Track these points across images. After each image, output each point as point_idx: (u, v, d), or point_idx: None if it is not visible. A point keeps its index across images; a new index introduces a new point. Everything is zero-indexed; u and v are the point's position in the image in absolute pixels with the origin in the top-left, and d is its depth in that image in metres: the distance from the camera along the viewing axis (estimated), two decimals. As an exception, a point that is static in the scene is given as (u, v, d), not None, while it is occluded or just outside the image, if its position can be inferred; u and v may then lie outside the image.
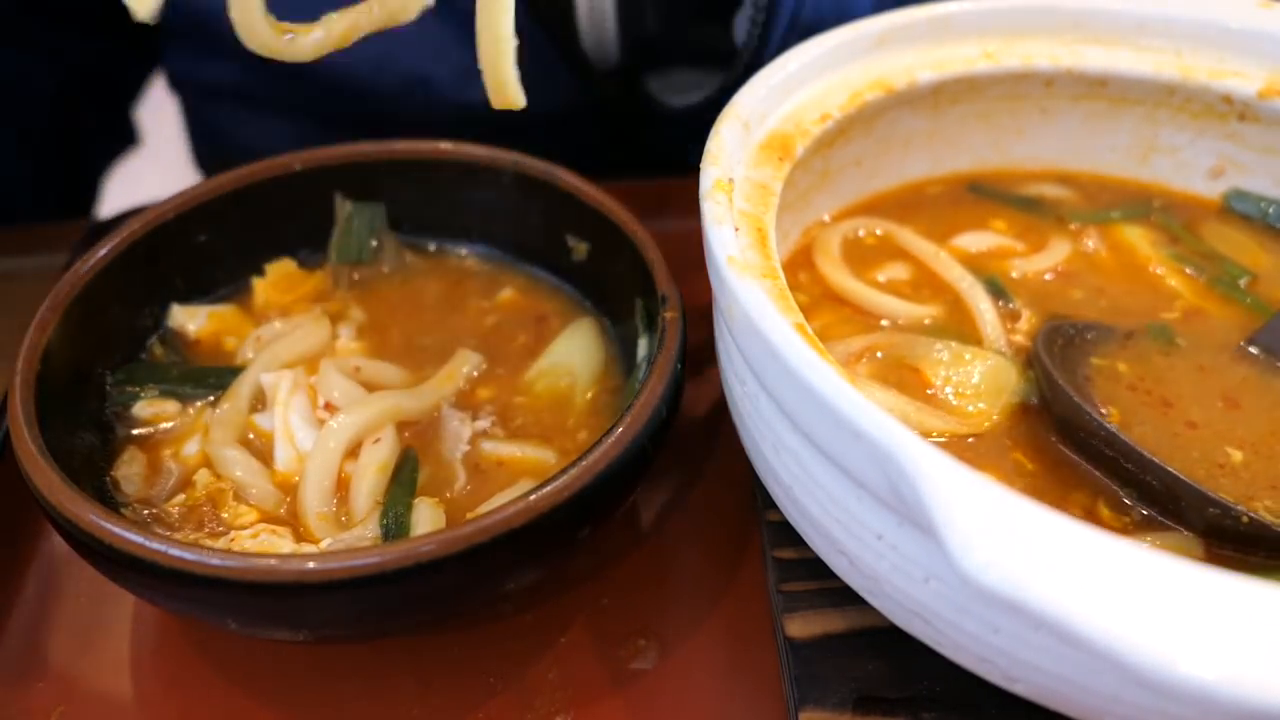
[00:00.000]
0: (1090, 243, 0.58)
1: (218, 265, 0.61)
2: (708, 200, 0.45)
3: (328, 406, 0.54)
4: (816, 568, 0.46)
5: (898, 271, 0.56)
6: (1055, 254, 0.58)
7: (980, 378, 0.48)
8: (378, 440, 0.51)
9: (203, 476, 0.51)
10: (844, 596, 0.45)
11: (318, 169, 0.61)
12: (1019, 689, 0.38)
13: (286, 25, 0.44)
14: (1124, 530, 0.42)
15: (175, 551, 0.39)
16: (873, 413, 0.34)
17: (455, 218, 0.65)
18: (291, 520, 0.50)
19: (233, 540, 0.48)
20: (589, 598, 0.53)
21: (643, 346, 0.55)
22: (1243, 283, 0.55)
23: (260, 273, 0.62)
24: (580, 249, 0.61)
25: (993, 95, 0.61)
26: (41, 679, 0.50)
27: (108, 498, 0.50)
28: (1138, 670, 0.26)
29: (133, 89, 0.99)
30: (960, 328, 0.53)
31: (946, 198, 0.63)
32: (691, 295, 0.54)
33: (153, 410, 0.54)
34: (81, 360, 0.53)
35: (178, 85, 0.93)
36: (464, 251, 0.66)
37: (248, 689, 0.49)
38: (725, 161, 0.47)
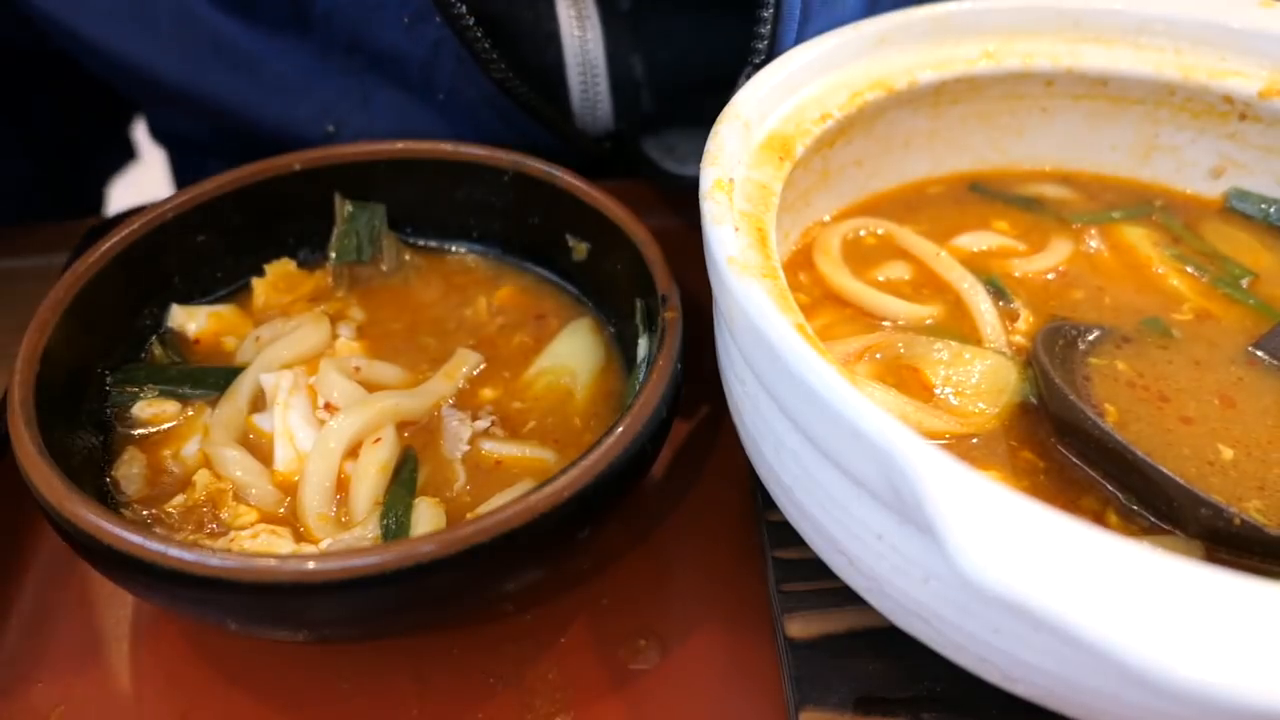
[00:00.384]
0: (1091, 243, 0.58)
1: (218, 265, 0.61)
2: (708, 200, 0.45)
3: (328, 407, 0.54)
4: (816, 568, 0.46)
5: (898, 271, 0.56)
6: (1056, 254, 0.58)
7: (980, 378, 0.48)
8: (378, 440, 0.51)
9: (203, 477, 0.51)
10: (844, 597, 0.45)
11: (318, 169, 0.61)
12: (1019, 689, 0.38)
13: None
14: (1132, 535, 0.42)
15: (175, 551, 0.39)
16: (872, 412, 0.34)
17: (455, 218, 0.65)
18: (291, 520, 0.50)
19: (233, 540, 0.48)
20: (589, 598, 0.53)
21: (643, 346, 0.55)
22: (1244, 283, 0.55)
23: (260, 273, 0.62)
24: (580, 249, 0.61)
25: (993, 95, 0.61)
26: (41, 679, 0.50)
27: (108, 498, 0.50)
28: (1138, 671, 0.26)
29: (127, 114, 1.00)
30: (961, 328, 0.53)
31: (947, 198, 0.63)
32: (691, 295, 0.54)
33: (153, 410, 0.54)
34: (81, 360, 0.53)
35: (159, 136, 0.94)
36: (464, 251, 0.66)
37: (248, 689, 0.49)
38: (725, 161, 0.47)
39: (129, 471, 0.51)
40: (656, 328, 0.51)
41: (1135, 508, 0.43)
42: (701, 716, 0.48)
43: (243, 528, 0.49)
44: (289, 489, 0.51)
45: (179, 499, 0.50)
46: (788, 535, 0.49)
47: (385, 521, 0.49)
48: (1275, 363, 0.50)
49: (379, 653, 0.50)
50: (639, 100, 0.76)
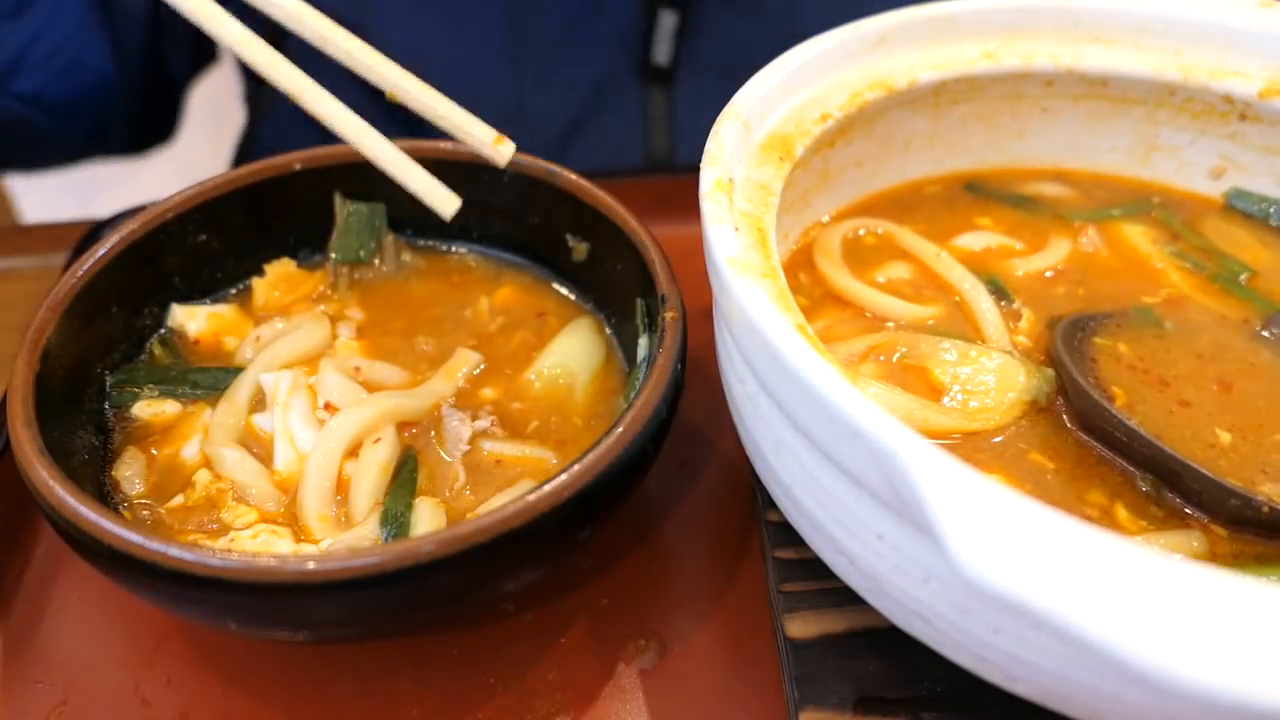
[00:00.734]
0: (1091, 241, 0.58)
1: (218, 265, 0.61)
2: (708, 200, 0.45)
3: (327, 407, 0.54)
4: (816, 568, 0.46)
5: (898, 272, 0.56)
6: (1056, 253, 0.58)
7: (988, 376, 0.48)
8: (378, 440, 0.51)
9: (203, 476, 0.51)
10: (844, 597, 0.45)
11: (318, 169, 0.61)
12: (1019, 689, 0.38)
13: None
14: (1141, 530, 0.42)
15: (175, 551, 0.39)
16: (872, 412, 0.34)
17: (455, 217, 0.64)
18: (291, 520, 0.50)
19: (232, 540, 0.48)
20: (589, 598, 0.53)
21: (643, 347, 0.55)
22: (1243, 279, 0.55)
23: (260, 273, 0.62)
24: (580, 249, 0.61)
25: (993, 95, 0.61)
26: (41, 679, 0.50)
27: (108, 498, 0.50)
28: (1138, 671, 0.26)
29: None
30: (962, 328, 0.53)
31: (947, 197, 0.63)
32: (691, 295, 0.54)
33: (153, 410, 0.54)
34: (81, 360, 0.53)
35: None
36: (464, 251, 0.66)
37: (248, 689, 0.49)
38: (725, 161, 0.47)
39: (129, 471, 0.51)
40: (657, 328, 0.51)
41: (1160, 491, 0.44)
42: (701, 716, 0.48)
43: (243, 528, 0.49)
44: (289, 489, 0.51)
45: (179, 499, 0.50)
46: (788, 535, 0.49)
47: (385, 521, 0.49)
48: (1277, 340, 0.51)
49: (379, 653, 0.50)
50: None
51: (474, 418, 0.54)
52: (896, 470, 0.32)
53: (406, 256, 0.64)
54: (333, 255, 0.62)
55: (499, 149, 0.59)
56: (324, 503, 0.50)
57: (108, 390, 0.55)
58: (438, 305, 0.62)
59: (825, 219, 0.61)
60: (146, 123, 1.01)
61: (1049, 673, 0.35)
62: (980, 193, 0.63)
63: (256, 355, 0.56)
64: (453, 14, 0.90)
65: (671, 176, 0.85)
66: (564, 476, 0.42)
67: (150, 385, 0.55)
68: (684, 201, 0.53)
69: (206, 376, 0.56)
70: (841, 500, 0.39)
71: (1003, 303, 0.54)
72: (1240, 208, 0.60)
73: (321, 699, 0.49)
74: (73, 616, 0.52)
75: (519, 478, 0.52)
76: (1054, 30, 0.59)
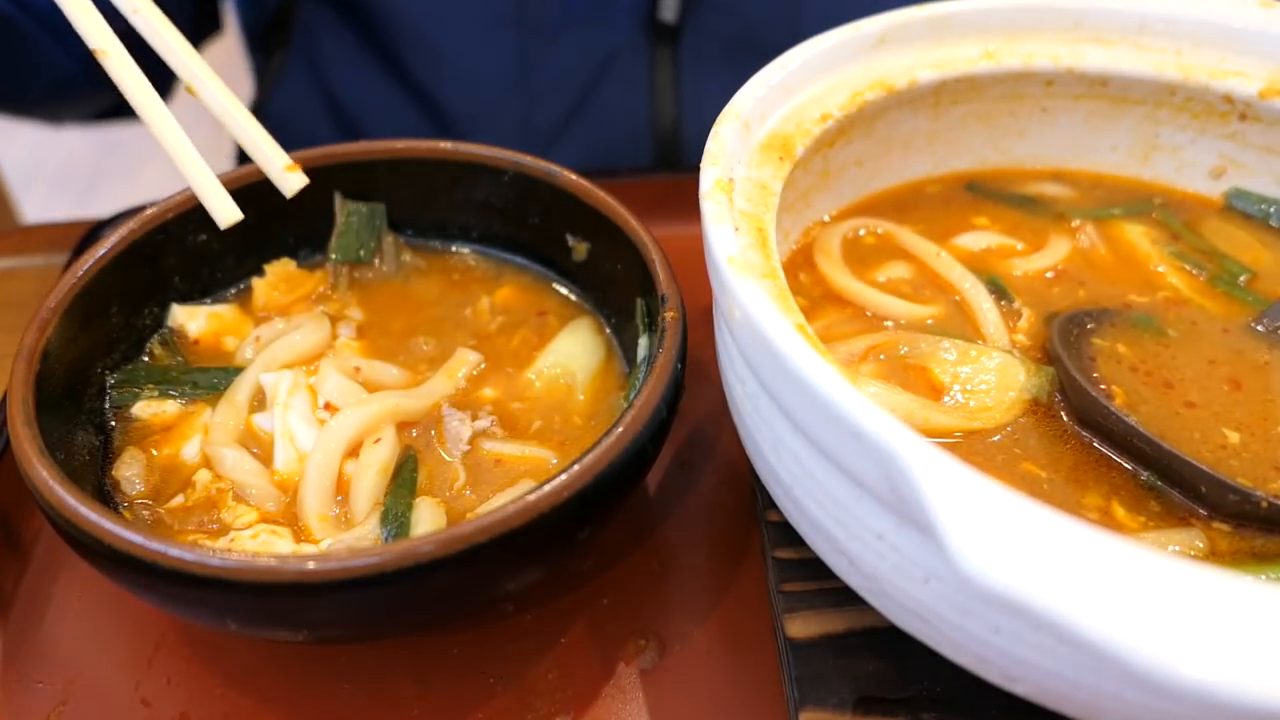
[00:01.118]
0: (1091, 241, 0.58)
1: (218, 265, 0.61)
2: (708, 200, 0.45)
3: (327, 406, 0.54)
4: (816, 568, 0.46)
5: (898, 271, 0.56)
6: (1056, 252, 0.58)
7: (988, 375, 0.48)
8: (378, 440, 0.51)
9: (203, 476, 0.51)
10: (844, 597, 0.45)
11: (318, 169, 0.61)
12: (1019, 689, 0.38)
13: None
14: (1141, 528, 0.42)
15: (175, 551, 0.39)
16: (873, 412, 0.34)
17: (455, 217, 0.65)
18: (291, 520, 0.50)
19: (233, 540, 0.48)
20: (589, 598, 0.53)
21: (643, 347, 0.55)
22: (1242, 280, 0.55)
23: (260, 273, 0.62)
24: (580, 249, 0.61)
25: (993, 95, 0.61)
26: (41, 679, 0.50)
27: (108, 498, 0.50)
28: (1138, 671, 0.26)
29: None
30: (962, 328, 0.53)
31: (947, 197, 0.63)
32: (691, 295, 0.54)
33: (153, 410, 0.54)
34: (81, 360, 0.53)
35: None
36: (464, 251, 0.66)
37: (248, 689, 0.49)
38: (725, 161, 0.47)
39: (129, 471, 0.51)
40: (657, 327, 0.51)
41: (1159, 486, 0.44)
42: (701, 716, 0.48)
43: (243, 528, 0.49)
44: (289, 489, 0.51)
45: (179, 499, 0.50)
46: (788, 535, 0.49)
47: (386, 521, 0.49)
48: (1274, 335, 0.51)
49: (379, 653, 0.50)
50: None
51: (474, 417, 0.54)
52: (896, 470, 0.32)
53: (406, 256, 0.64)
54: (333, 255, 0.62)
55: (288, 175, 0.55)
56: (324, 503, 0.50)
57: (108, 390, 0.55)
58: (438, 305, 0.62)
59: (825, 219, 0.61)
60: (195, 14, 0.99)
61: (1049, 673, 0.35)
62: (980, 192, 0.63)
63: (256, 355, 0.56)
64: None
65: (671, 176, 0.85)
66: (564, 476, 0.42)
67: (150, 385, 0.55)
68: (684, 201, 0.53)
69: (206, 376, 0.56)
70: (841, 500, 0.39)
71: (1003, 302, 0.54)
72: (1240, 208, 0.60)
73: (321, 699, 0.49)
74: (73, 616, 0.52)
75: (520, 477, 0.52)
76: (1054, 30, 0.59)
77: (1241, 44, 0.57)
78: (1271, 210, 0.59)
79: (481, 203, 0.63)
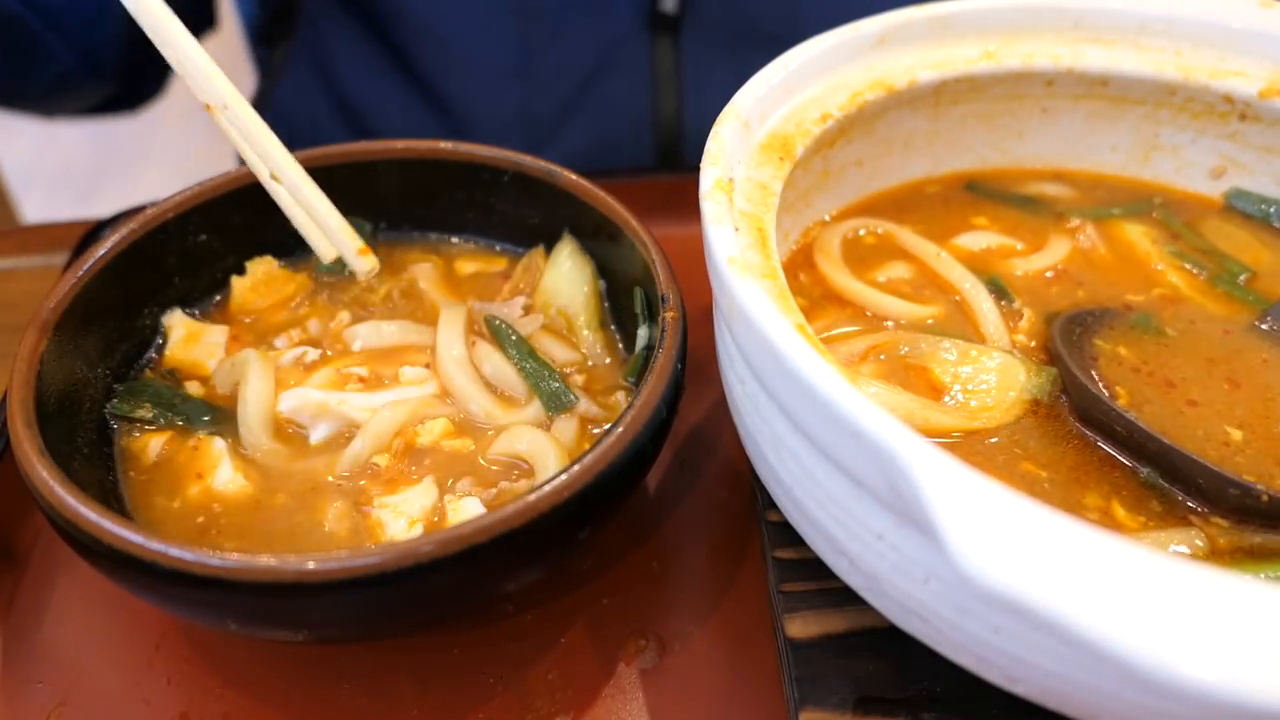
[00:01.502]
0: (1091, 241, 0.58)
1: (218, 265, 0.61)
2: (708, 200, 0.45)
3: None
4: (816, 568, 0.46)
5: (898, 271, 0.56)
6: (1056, 252, 0.58)
7: (988, 375, 0.48)
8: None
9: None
10: (844, 597, 0.45)
11: (317, 169, 0.61)
12: (1019, 689, 0.38)
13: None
14: (1141, 527, 0.42)
15: (175, 552, 0.39)
16: (873, 412, 0.34)
17: (455, 217, 0.65)
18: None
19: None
20: (589, 598, 0.53)
21: (643, 335, 0.55)
22: (1242, 279, 0.55)
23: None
24: (580, 249, 0.61)
25: (993, 95, 0.61)
26: (41, 679, 0.50)
27: (108, 498, 0.50)
28: (1138, 671, 0.26)
29: None
30: (962, 328, 0.53)
31: (946, 198, 0.63)
32: (691, 295, 0.54)
33: (154, 441, 0.53)
34: (81, 360, 0.53)
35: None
36: (464, 251, 0.65)
37: (248, 689, 0.49)
38: (725, 161, 0.47)
39: (129, 471, 0.51)
40: (657, 318, 0.51)
41: (1160, 483, 0.44)
42: (701, 716, 0.48)
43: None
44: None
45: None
46: (788, 535, 0.49)
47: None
48: (1276, 334, 0.51)
49: (379, 653, 0.50)
50: None
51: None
52: (897, 470, 0.32)
53: (406, 257, 0.64)
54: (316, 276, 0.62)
55: (361, 259, 0.60)
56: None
57: (108, 414, 0.54)
58: (439, 305, 0.62)
59: (825, 219, 0.61)
60: (136, 69, 0.99)
61: (1049, 673, 0.35)
62: (980, 192, 0.63)
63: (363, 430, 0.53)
64: None
65: (672, 176, 0.85)
66: (564, 477, 0.42)
67: (150, 409, 0.54)
68: (684, 201, 0.53)
69: (204, 410, 0.54)
70: (841, 500, 0.39)
71: (1003, 302, 0.54)
72: (1240, 208, 0.60)
73: (321, 699, 0.49)
74: (73, 616, 0.52)
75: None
76: (1054, 30, 0.59)
77: (1241, 44, 0.57)
78: (1272, 210, 0.59)
79: (481, 203, 0.63)
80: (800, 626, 0.48)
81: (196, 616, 0.46)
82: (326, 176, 0.61)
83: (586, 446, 0.47)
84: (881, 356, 0.50)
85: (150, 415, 0.54)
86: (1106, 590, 0.27)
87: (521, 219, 0.63)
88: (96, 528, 0.41)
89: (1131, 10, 0.58)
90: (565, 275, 0.59)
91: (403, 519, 0.48)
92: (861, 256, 0.57)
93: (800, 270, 0.56)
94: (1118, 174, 0.64)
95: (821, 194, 0.60)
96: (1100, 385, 0.47)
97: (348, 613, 0.43)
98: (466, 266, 0.64)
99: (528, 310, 0.59)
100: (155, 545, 0.40)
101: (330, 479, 0.51)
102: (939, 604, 0.37)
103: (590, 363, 0.58)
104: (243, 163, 0.58)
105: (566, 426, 0.53)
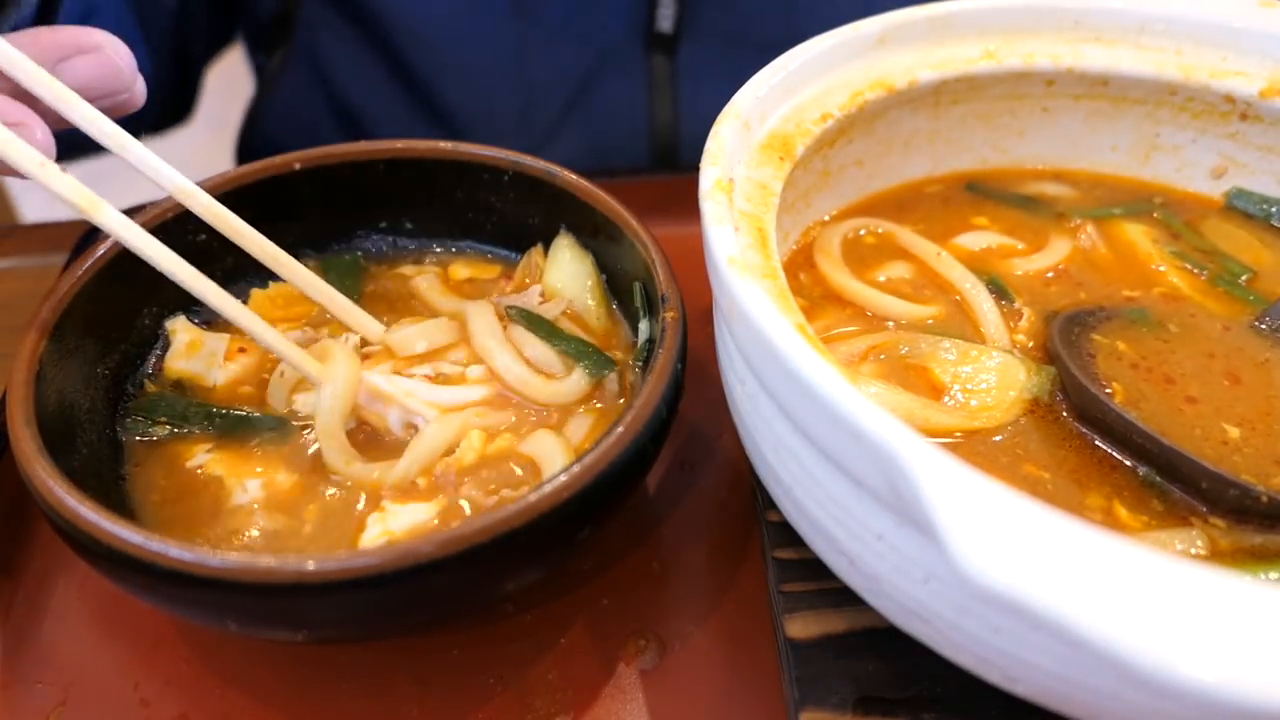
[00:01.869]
0: (1091, 240, 0.58)
1: (218, 265, 0.61)
2: (708, 200, 0.45)
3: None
4: (816, 568, 0.46)
5: (898, 271, 0.56)
6: (1056, 252, 0.58)
7: (988, 375, 0.48)
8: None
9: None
10: (844, 597, 0.45)
11: (318, 169, 0.61)
12: (1019, 689, 0.38)
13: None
14: (1144, 527, 0.42)
15: (175, 552, 0.39)
16: (873, 412, 0.34)
17: (455, 218, 0.64)
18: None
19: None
20: (589, 598, 0.53)
21: (644, 330, 0.55)
22: (1243, 279, 0.55)
23: (259, 276, 0.61)
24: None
25: (994, 94, 0.61)
26: (41, 679, 0.50)
27: (108, 498, 0.50)
28: (1138, 671, 0.26)
29: None
30: (962, 328, 0.53)
31: (946, 197, 0.63)
32: (691, 295, 0.54)
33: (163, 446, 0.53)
34: (81, 360, 0.53)
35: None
36: (464, 251, 0.65)
37: (248, 689, 0.49)
38: (725, 161, 0.47)
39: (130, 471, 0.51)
40: (657, 313, 0.51)
41: (1160, 482, 0.44)
42: (701, 716, 0.48)
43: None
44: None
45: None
46: (788, 535, 0.49)
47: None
48: (1276, 334, 0.51)
49: (379, 653, 0.50)
50: None
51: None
52: (896, 470, 0.32)
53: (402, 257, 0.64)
54: None
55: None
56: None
57: (123, 418, 0.54)
58: (438, 307, 0.62)
59: (825, 219, 0.61)
60: (170, 103, 1.01)
61: (1049, 673, 0.35)
62: (980, 192, 0.63)
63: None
64: None
65: (671, 176, 0.85)
66: (564, 477, 0.42)
67: (164, 424, 0.54)
68: (684, 201, 0.53)
69: (213, 416, 0.54)
70: (841, 500, 0.39)
71: (1003, 302, 0.54)
72: (1241, 208, 0.60)
73: (321, 699, 0.49)
74: (73, 616, 0.52)
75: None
76: (1054, 30, 0.59)
77: (1242, 44, 0.57)
78: (1273, 210, 0.59)
79: (481, 203, 0.63)
80: (800, 627, 0.48)
81: (196, 616, 0.46)
82: (326, 176, 0.61)
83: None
84: (881, 356, 0.50)
85: (166, 431, 0.54)
86: (1106, 590, 0.27)
87: (521, 219, 0.63)
88: (95, 528, 0.41)
89: (1132, 10, 0.58)
90: (567, 269, 0.59)
91: (385, 537, 0.48)
92: (861, 256, 0.57)
93: (800, 270, 0.56)
94: (1118, 174, 0.64)
95: (821, 194, 0.59)
96: (1099, 385, 0.47)
97: (347, 613, 0.43)
98: (461, 272, 0.64)
99: (544, 299, 0.59)
100: (155, 545, 0.40)
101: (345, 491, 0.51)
102: (939, 604, 0.37)
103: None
104: (243, 163, 0.58)
105: (578, 426, 0.53)
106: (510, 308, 0.58)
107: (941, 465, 0.31)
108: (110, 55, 0.48)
